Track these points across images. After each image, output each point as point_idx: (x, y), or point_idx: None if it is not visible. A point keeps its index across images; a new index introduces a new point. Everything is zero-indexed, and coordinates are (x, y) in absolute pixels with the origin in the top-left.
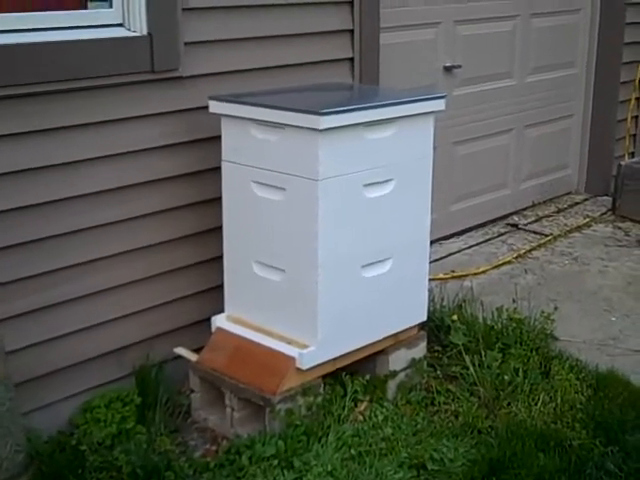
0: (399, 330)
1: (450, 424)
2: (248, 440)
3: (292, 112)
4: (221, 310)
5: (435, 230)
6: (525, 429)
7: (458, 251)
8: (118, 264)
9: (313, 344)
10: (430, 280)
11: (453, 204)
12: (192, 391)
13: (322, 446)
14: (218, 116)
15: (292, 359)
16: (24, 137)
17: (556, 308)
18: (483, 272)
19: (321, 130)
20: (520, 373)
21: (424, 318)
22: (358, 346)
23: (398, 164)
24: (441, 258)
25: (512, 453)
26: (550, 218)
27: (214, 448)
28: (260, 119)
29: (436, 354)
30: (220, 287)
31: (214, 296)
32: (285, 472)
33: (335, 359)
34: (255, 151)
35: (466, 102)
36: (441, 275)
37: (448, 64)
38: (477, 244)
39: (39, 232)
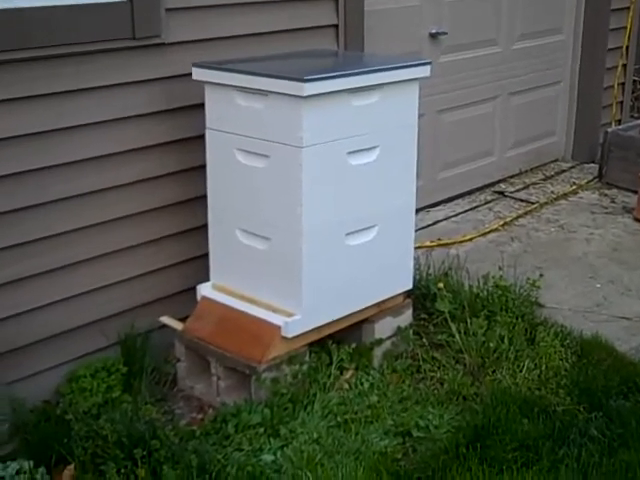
0: (385, 298)
1: (436, 391)
2: (234, 408)
3: (276, 79)
4: (207, 279)
5: (422, 198)
6: (510, 396)
7: (445, 219)
8: (103, 233)
9: (298, 312)
10: (416, 248)
11: (440, 172)
12: (178, 360)
13: (308, 414)
14: (202, 83)
15: (277, 327)
16: (3, 105)
17: (541, 275)
18: (470, 240)
19: (305, 97)
20: (505, 340)
21: (410, 286)
22: (343, 314)
23: (383, 131)
24: (428, 226)
25: (496, 419)
26: (537, 185)
27: (200, 416)
28: (244, 86)
29: (422, 322)
30: (206, 256)
31: (200, 265)
32: (271, 440)
33: (321, 327)
34: (239, 119)
35: (452, 69)
36: (428, 243)
37: (434, 31)
38: (464, 212)
39: (20, 201)
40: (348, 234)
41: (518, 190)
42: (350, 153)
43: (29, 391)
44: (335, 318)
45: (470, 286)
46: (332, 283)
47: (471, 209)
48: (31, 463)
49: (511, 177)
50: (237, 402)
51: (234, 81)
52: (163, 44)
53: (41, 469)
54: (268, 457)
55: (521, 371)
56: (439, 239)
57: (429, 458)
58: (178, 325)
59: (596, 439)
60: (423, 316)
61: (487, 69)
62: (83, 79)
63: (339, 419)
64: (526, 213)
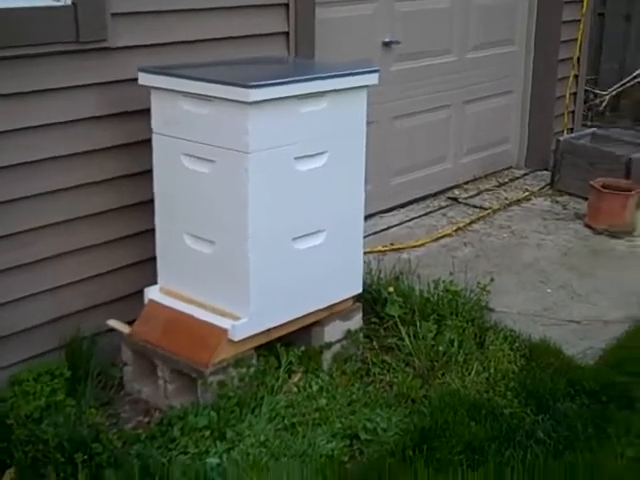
0: (334, 302)
1: (385, 394)
2: (180, 411)
3: (222, 85)
4: (154, 282)
5: (375, 203)
6: (458, 398)
7: (398, 224)
8: (49, 236)
9: (245, 316)
10: (369, 253)
11: (394, 177)
12: (125, 363)
13: (255, 417)
14: (148, 88)
15: (224, 331)
16: None
17: (492, 280)
18: (422, 245)
19: (250, 103)
20: (455, 344)
21: (359, 290)
22: (291, 318)
23: (331, 137)
24: (381, 231)
25: (444, 422)
26: (490, 192)
27: (146, 420)
28: (190, 92)
29: (373, 326)
30: (153, 259)
31: (149, 268)
32: (217, 443)
33: (269, 330)
34: (185, 124)
35: (405, 77)
36: (380, 247)
37: (387, 39)
38: (418, 217)
39: None
40: (295, 238)
41: (472, 196)
42: (297, 158)
43: None
44: (283, 322)
45: (421, 290)
46: (280, 287)
47: (425, 214)
48: None
49: (465, 183)
50: (184, 405)
51: (180, 86)
52: (109, 48)
53: None
54: (213, 460)
55: (470, 374)
56: (391, 244)
57: (375, 461)
58: (125, 328)
59: (542, 441)
60: (374, 320)
61: (441, 77)
62: (26, 82)
63: (287, 422)
64: (479, 219)
